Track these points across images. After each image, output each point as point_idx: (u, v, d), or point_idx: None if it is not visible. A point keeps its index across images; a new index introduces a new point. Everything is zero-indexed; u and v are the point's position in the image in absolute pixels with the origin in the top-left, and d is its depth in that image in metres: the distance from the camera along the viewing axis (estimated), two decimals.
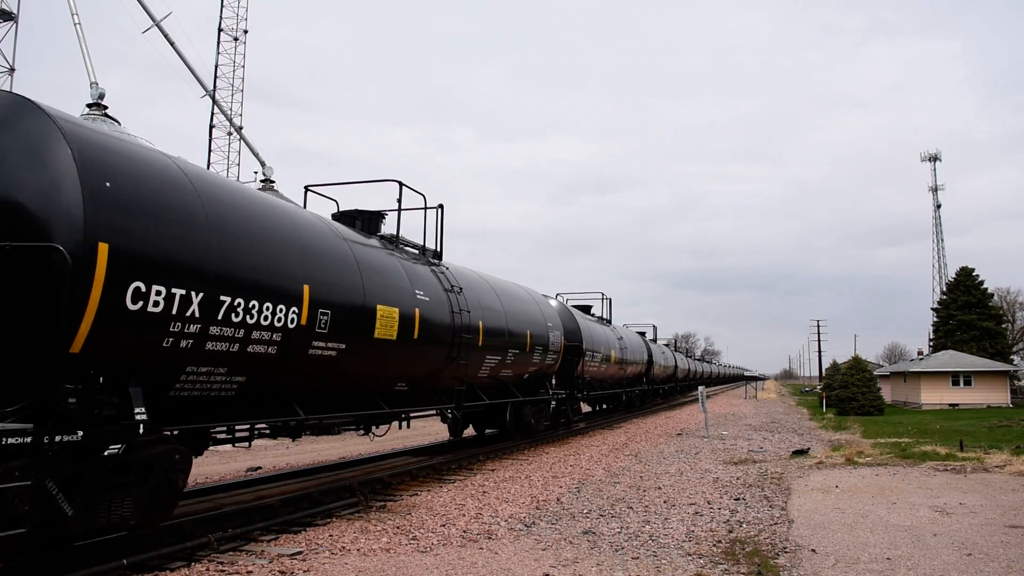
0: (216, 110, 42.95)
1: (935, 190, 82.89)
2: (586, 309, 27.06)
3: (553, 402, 19.51)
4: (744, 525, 9.21)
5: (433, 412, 13.95)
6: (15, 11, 41.32)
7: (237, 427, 8.88)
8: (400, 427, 13.04)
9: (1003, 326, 56.10)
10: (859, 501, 10.84)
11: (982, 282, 54.00)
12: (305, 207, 11.56)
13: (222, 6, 45.19)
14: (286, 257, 8.42)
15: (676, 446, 18.95)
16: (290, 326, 8.21)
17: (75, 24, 34.26)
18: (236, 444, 9.26)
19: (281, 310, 8.06)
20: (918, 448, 17.27)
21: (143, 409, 6.42)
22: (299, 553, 7.56)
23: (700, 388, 25.64)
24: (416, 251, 13.02)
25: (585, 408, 29.99)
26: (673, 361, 45.02)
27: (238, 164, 44.30)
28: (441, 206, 13.51)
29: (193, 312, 6.86)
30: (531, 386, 17.77)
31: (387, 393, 11.27)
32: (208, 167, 40.13)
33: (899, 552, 7.85)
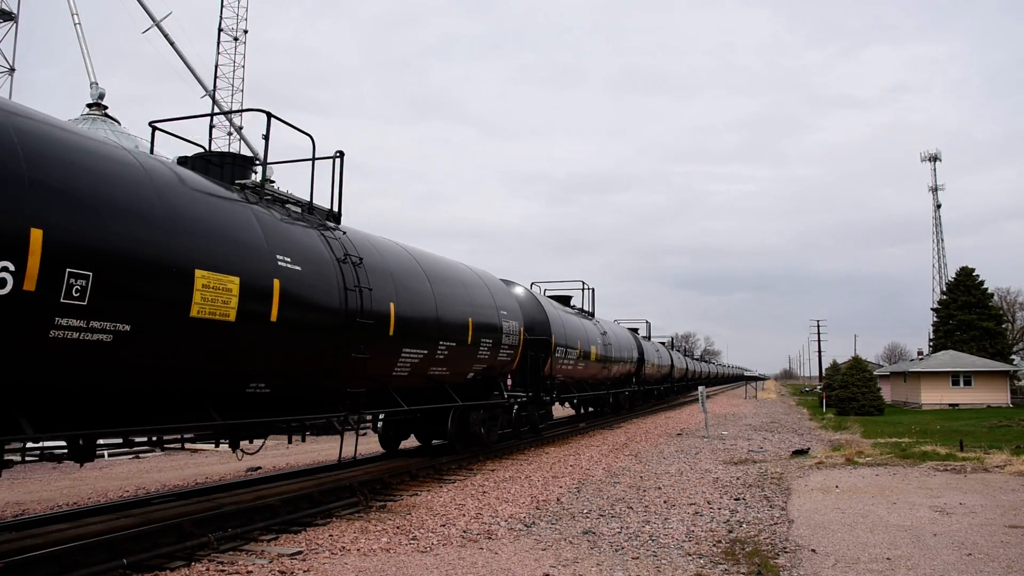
0: (216, 110, 42.93)
1: (935, 190, 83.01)
2: (564, 300, 24.30)
3: (516, 406, 16.86)
4: (744, 525, 9.21)
5: (321, 420, 10.34)
6: (15, 11, 41.33)
7: None
8: (291, 441, 10.07)
9: (1003, 326, 56.10)
10: (859, 501, 10.84)
11: (982, 282, 54.03)
12: (152, 151, 9.68)
13: (222, 6, 45.19)
14: None
15: (676, 446, 18.96)
16: None
17: (75, 24, 34.28)
18: None
19: None
20: (918, 448, 17.27)
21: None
22: (299, 553, 7.56)
23: (700, 388, 25.65)
24: (299, 208, 10.28)
25: (567, 412, 29.03)
26: (669, 360, 42.43)
27: None
28: (340, 153, 10.84)
29: None
30: (480, 388, 15.06)
31: (233, 397, 8.45)
32: None
33: (899, 552, 7.85)
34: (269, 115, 9.86)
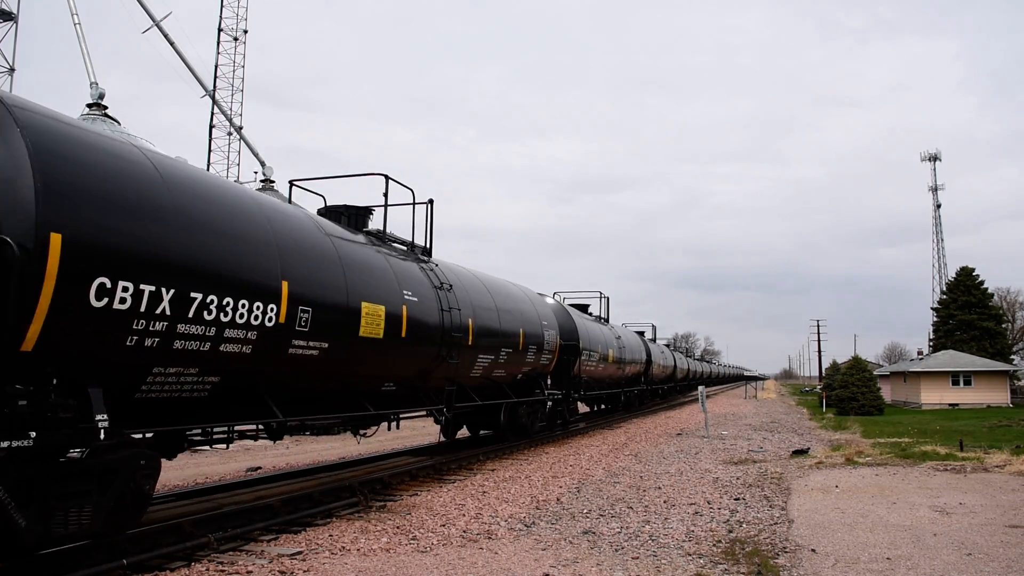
0: (216, 110, 42.92)
1: (935, 190, 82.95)
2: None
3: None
4: (744, 525, 9.21)
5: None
6: (15, 11, 41.33)
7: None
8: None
9: (1003, 326, 56.12)
10: (859, 501, 10.84)
11: (982, 282, 54.03)
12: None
13: (222, 6, 45.16)
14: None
15: (676, 446, 18.95)
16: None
17: (75, 24, 34.25)
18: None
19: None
20: (918, 448, 17.27)
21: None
22: (299, 553, 7.56)
23: (700, 388, 25.66)
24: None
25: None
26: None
27: (238, 164, 44.26)
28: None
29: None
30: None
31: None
32: (208, 167, 40.14)
33: (899, 552, 7.85)
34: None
